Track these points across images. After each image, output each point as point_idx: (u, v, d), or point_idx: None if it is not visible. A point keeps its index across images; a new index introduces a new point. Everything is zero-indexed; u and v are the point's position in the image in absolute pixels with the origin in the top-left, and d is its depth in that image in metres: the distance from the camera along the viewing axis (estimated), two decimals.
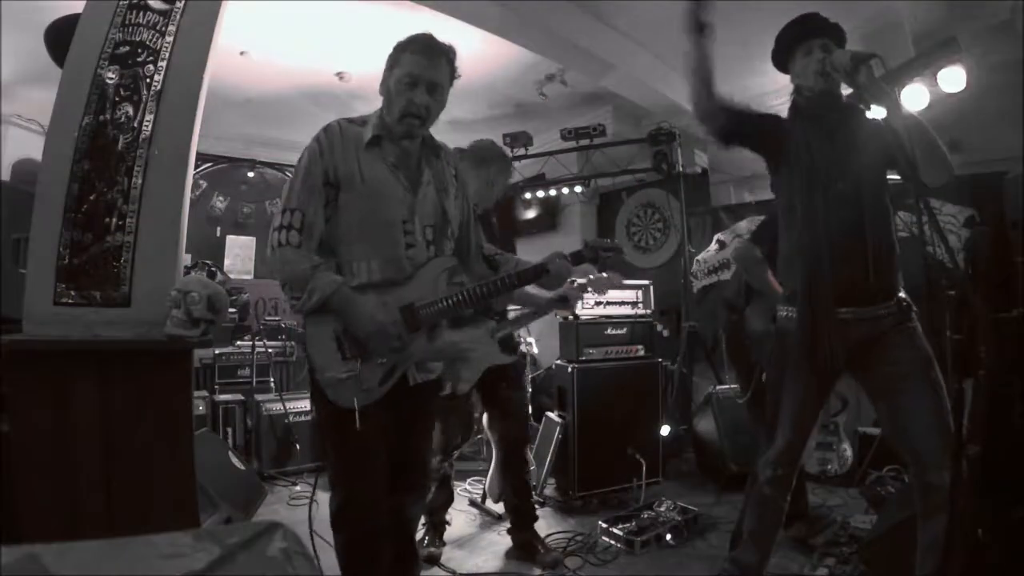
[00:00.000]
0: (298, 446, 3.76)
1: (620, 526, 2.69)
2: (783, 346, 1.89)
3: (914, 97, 3.23)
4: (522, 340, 3.60)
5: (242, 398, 3.91)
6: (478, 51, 3.94)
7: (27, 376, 1.62)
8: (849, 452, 3.27)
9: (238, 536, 0.49)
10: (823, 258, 1.73)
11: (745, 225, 4.44)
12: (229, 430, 3.79)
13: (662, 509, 2.85)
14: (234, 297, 3.83)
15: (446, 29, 3.45)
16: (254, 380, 4.16)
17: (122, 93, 1.80)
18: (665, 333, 4.62)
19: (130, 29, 1.82)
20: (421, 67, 1.51)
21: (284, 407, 3.79)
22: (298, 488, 3.46)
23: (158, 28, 1.84)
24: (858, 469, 3.23)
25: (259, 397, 3.88)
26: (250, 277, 5.70)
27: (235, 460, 2.99)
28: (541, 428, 3.40)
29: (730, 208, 5.04)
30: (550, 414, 3.38)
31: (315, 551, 1.70)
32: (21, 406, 1.62)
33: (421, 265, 1.57)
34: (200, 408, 3.59)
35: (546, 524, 2.84)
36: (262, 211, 5.93)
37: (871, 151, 1.73)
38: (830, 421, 3.24)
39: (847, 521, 2.72)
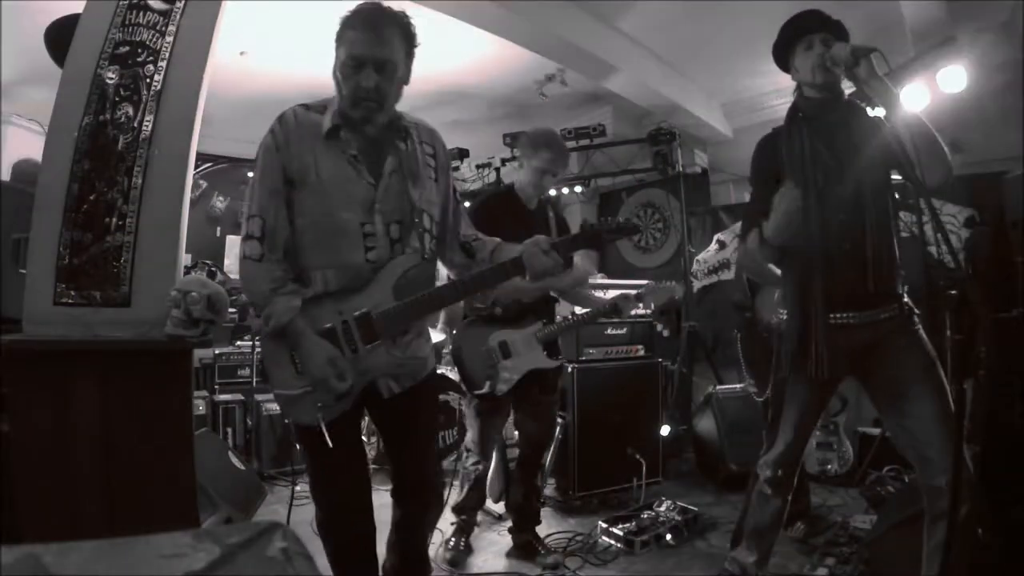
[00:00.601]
0: (298, 446, 3.76)
1: (620, 526, 2.69)
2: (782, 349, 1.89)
3: (914, 97, 3.24)
4: None
5: (242, 398, 3.91)
6: (478, 51, 3.94)
7: (27, 376, 1.61)
8: (850, 452, 3.27)
9: (238, 536, 0.49)
10: (815, 263, 1.72)
11: None
12: (229, 430, 3.79)
13: (662, 509, 2.85)
14: (234, 297, 3.82)
15: (446, 29, 3.47)
16: (254, 380, 4.15)
17: (122, 93, 1.79)
18: (665, 333, 4.61)
19: (130, 29, 1.82)
20: (365, 45, 1.37)
21: None
22: (298, 488, 3.45)
23: (158, 28, 1.84)
24: (858, 469, 3.23)
25: (259, 397, 3.86)
26: None
27: (235, 460, 2.98)
28: None
29: (730, 208, 5.05)
30: None
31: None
32: (21, 406, 1.62)
33: (381, 267, 1.45)
34: (200, 408, 3.59)
35: (546, 524, 2.83)
36: None
37: (873, 152, 1.71)
38: (830, 421, 3.25)
39: (847, 521, 2.72)
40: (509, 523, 2.71)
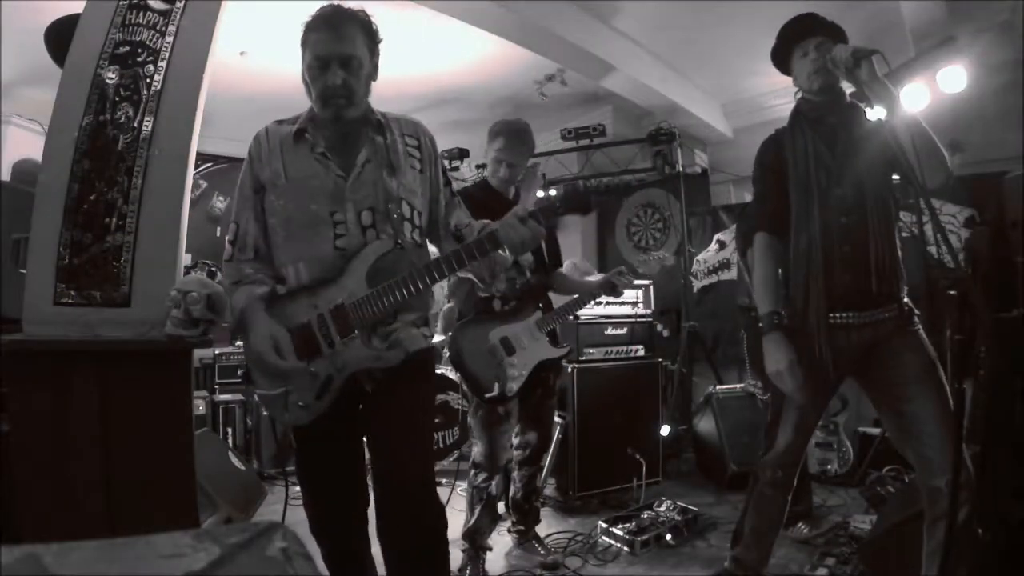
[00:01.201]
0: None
1: (620, 526, 2.69)
2: None
3: (914, 97, 3.24)
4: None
5: (242, 398, 3.91)
6: (478, 51, 3.94)
7: (27, 376, 1.61)
8: (850, 452, 3.28)
9: (238, 536, 0.49)
10: (815, 265, 1.73)
11: None
12: (229, 430, 3.80)
13: (662, 509, 2.85)
14: None
15: (446, 29, 3.47)
16: None
17: (122, 93, 1.79)
18: (665, 333, 4.62)
19: (130, 29, 1.82)
20: (327, 45, 1.40)
21: None
22: (298, 488, 3.45)
23: (158, 28, 1.84)
24: (858, 469, 3.23)
25: None
26: None
27: (235, 460, 2.98)
28: None
29: (730, 208, 5.05)
30: None
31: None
32: (21, 406, 1.62)
33: (353, 255, 1.43)
34: (200, 408, 3.60)
35: (546, 524, 2.84)
36: None
37: (874, 153, 1.71)
38: (830, 421, 3.25)
39: (847, 521, 2.72)
40: (509, 523, 2.70)
